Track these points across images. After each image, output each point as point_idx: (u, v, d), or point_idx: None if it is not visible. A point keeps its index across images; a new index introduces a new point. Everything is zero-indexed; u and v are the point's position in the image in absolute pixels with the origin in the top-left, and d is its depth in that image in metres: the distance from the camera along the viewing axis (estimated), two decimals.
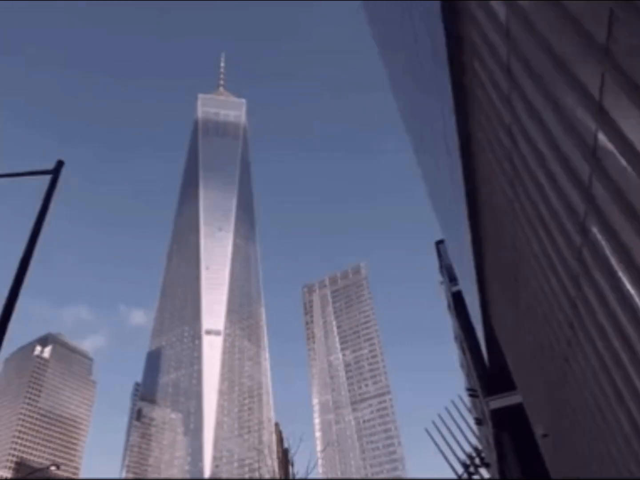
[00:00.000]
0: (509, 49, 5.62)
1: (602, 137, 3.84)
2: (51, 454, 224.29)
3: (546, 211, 6.07)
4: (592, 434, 7.43)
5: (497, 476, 29.74)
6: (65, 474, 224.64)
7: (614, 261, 4.39)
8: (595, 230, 4.57)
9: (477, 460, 40.43)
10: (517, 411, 22.47)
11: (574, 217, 4.97)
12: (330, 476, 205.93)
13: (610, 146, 3.80)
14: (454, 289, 28.45)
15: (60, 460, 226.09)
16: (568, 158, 4.69)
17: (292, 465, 18.02)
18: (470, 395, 31.36)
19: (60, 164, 8.55)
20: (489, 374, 25.04)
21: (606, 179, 4.01)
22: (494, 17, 5.81)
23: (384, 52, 23.73)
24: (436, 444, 43.07)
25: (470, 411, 42.82)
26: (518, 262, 8.89)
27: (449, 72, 8.12)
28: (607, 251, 4.44)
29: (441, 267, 33.61)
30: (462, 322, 28.00)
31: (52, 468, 28.00)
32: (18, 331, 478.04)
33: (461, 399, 44.63)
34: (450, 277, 29.27)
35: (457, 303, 28.55)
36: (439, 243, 32.54)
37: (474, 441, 41.72)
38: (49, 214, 7.50)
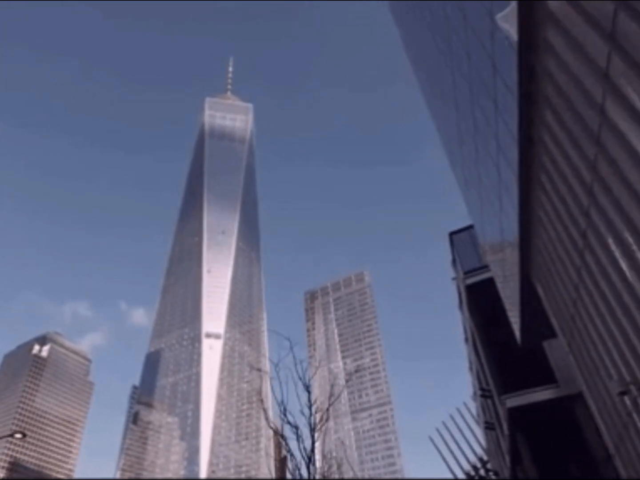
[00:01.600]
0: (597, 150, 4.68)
1: None
2: (46, 455, 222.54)
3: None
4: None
5: None
6: (60, 475, 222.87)
7: None
8: None
9: (482, 471, 39.03)
10: (534, 410, 21.17)
11: None
12: None
13: None
14: (469, 281, 27.03)
15: (54, 461, 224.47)
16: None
17: (310, 392, 16.85)
18: (482, 396, 29.87)
19: None
20: (506, 370, 23.61)
21: None
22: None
23: (418, 64, 22.96)
24: (440, 452, 41.62)
25: (476, 419, 41.34)
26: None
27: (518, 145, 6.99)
28: None
29: (454, 260, 32.25)
30: (477, 316, 26.56)
31: (17, 435, 26.78)
32: (17, 327, 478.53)
33: (466, 406, 43.19)
34: (465, 269, 27.85)
35: (472, 296, 27.15)
36: (453, 234, 31.21)
37: (479, 451, 40.27)
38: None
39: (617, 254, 5.37)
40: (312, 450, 16.38)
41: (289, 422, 16.55)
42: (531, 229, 11.10)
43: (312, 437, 16.57)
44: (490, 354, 25.86)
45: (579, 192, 6.07)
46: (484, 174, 13.33)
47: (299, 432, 16.20)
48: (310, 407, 16.54)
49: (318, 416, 17.25)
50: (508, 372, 23.82)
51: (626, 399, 7.64)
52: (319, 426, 16.95)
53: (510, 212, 11.22)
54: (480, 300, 26.29)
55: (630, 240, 4.96)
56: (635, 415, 7.90)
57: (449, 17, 12.15)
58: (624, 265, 5.22)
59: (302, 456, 16.05)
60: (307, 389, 16.92)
